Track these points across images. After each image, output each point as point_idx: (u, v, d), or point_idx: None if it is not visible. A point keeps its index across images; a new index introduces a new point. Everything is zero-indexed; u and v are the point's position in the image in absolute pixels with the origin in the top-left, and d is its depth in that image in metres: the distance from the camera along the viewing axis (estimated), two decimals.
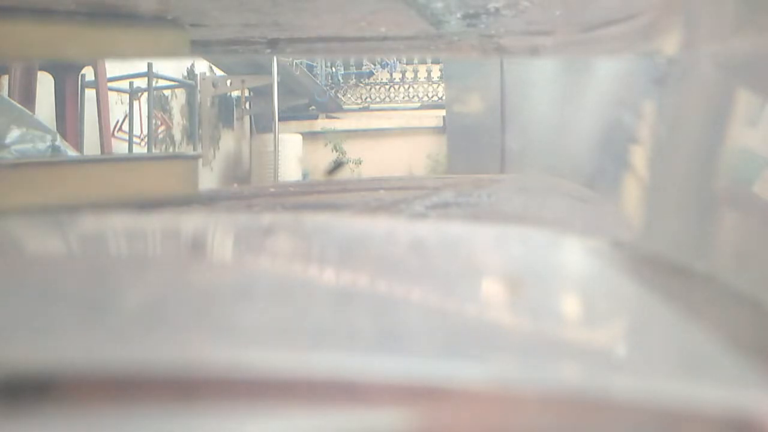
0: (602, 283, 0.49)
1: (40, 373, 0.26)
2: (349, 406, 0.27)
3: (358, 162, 5.96)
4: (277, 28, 1.15)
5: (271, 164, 5.64)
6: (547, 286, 0.46)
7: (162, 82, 4.84)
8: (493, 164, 3.84)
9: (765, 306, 0.45)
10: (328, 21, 1.14)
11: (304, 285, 0.42)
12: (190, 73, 5.37)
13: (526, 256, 0.54)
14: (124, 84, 4.34)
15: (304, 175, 5.96)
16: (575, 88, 1.88)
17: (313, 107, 6.73)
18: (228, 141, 6.13)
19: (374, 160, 5.93)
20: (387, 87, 7.07)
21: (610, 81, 1.56)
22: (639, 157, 1.17)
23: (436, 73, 6.83)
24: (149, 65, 4.29)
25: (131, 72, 4.25)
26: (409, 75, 7.01)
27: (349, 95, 7.14)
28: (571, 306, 0.44)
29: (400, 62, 6.91)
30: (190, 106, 5.36)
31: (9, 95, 2.47)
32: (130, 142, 4.35)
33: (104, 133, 3.40)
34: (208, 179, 5.36)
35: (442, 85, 6.63)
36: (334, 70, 7.08)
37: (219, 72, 5.60)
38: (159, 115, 4.97)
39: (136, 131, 4.48)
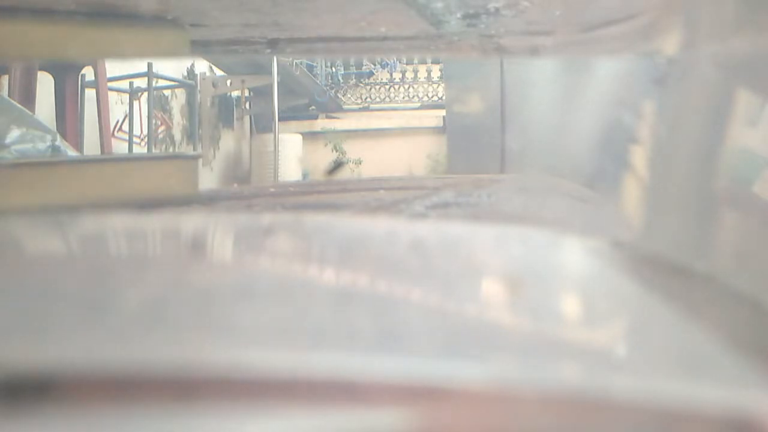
0: (602, 283, 0.49)
1: (40, 373, 0.26)
2: (349, 406, 0.27)
3: (358, 162, 5.96)
4: (277, 28, 1.15)
5: (271, 164, 5.64)
6: (547, 286, 0.46)
7: (162, 82, 4.84)
8: (493, 164, 3.84)
9: (765, 306, 0.45)
10: (328, 21, 1.14)
11: (304, 285, 0.42)
12: (190, 73, 5.37)
13: (526, 256, 0.54)
14: (124, 84, 4.34)
15: (304, 175, 5.96)
16: (575, 88, 1.88)
17: (313, 107, 6.73)
18: (228, 141, 6.13)
19: (374, 160, 5.93)
20: (387, 87, 7.07)
21: (610, 81, 1.56)
22: (639, 157, 1.17)
23: (436, 73, 6.84)
24: (149, 65, 4.29)
25: (131, 72, 4.25)
26: (409, 75, 7.01)
27: (349, 95, 7.14)
28: (571, 306, 0.44)
29: (400, 62, 6.91)
30: (190, 106, 5.36)
31: (9, 95, 2.47)
32: (130, 142, 4.35)
33: (104, 133, 3.40)
34: (208, 179, 5.36)
35: (442, 85, 6.63)
36: (334, 70, 7.08)
37: (219, 72, 5.60)
38: (159, 115, 4.97)
39: (136, 131, 4.48)
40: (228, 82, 5.64)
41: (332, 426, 0.26)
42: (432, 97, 6.91)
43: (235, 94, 5.99)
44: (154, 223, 0.68)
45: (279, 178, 5.55)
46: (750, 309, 0.45)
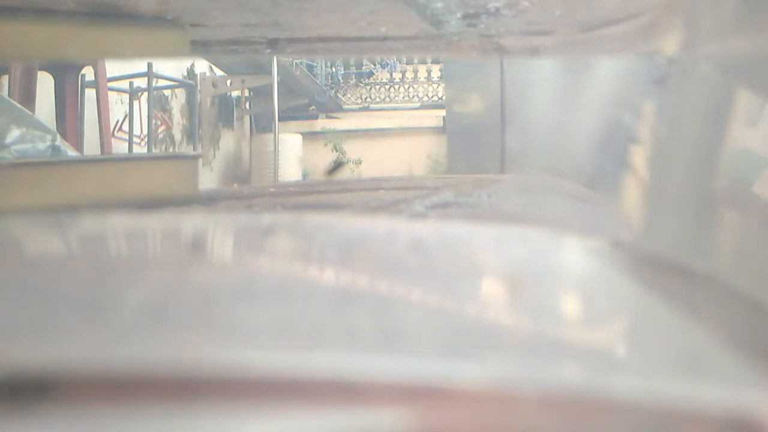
0: (602, 283, 0.49)
1: (40, 373, 0.26)
2: (349, 406, 0.27)
3: (358, 162, 5.95)
4: (277, 28, 1.15)
5: (271, 164, 5.64)
6: (547, 286, 0.46)
7: (162, 82, 4.83)
8: (493, 164, 3.85)
9: (765, 306, 0.45)
10: (328, 21, 1.14)
11: (304, 285, 0.42)
12: (190, 73, 5.37)
13: (526, 256, 0.54)
14: (124, 84, 4.34)
15: (304, 175, 5.96)
16: (575, 88, 1.88)
17: (313, 107, 6.73)
18: (228, 141, 6.13)
19: (374, 160, 5.93)
20: (387, 87, 7.07)
21: (610, 81, 1.56)
22: (639, 157, 1.17)
23: (436, 73, 6.84)
24: (149, 65, 4.29)
25: (131, 72, 4.25)
26: (409, 75, 7.01)
27: (349, 95, 7.14)
28: (571, 306, 0.44)
29: (400, 62, 6.91)
30: (190, 106, 5.36)
31: (9, 95, 2.47)
32: (130, 142, 4.35)
33: (104, 133, 3.40)
34: (208, 179, 5.36)
35: (442, 85, 6.63)
36: (334, 70, 7.08)
37: (219, 72, 5.60)
38: (159, 115, 4.97)
39: (136, 131, 4.48)
40: (228, 82, 5.64)
41: (332, 426, 0.26)
42: (432, 97, 6.91)
43: (235, 94, 5.99)
44: (154, 223, 0.68)
45: (279, 178, 5.55)
46: (750, 309, 0.45)
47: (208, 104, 5.70)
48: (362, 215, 0.96)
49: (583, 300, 0.45)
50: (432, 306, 0.39)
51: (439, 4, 1.05)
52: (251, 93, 6.11)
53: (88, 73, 3.43)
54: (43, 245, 0.56)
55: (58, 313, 0.34)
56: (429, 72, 6.91)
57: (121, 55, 1.61)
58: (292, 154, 5.97)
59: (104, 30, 1.07)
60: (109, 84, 3.68)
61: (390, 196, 1.16)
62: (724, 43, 0.92)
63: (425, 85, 6.97)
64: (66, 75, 2.89)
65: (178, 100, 5.33)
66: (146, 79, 4.34)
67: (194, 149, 5.30)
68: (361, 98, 7.11)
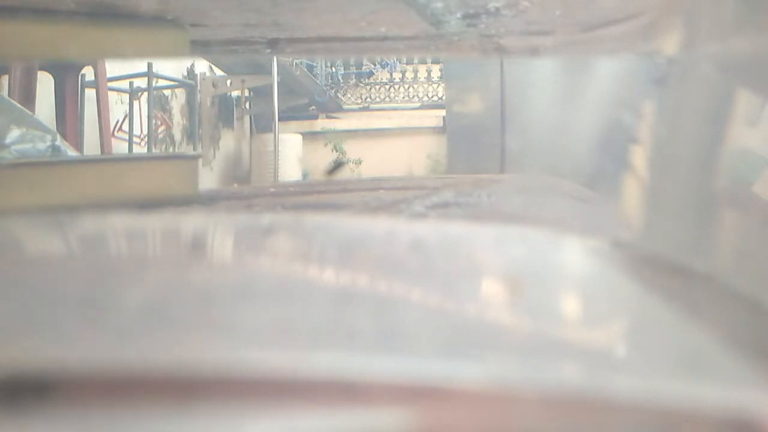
0: (602, 283, 0.49)
1: (40, 373, 0.26)
2: (349, 406, 0.27)
3: (358, 162, 5.95)
4: (277, 28, 1.15)
5: (271, 164, 5.64)
6: (547, 286, 0.46)
7: (162, 82, 4.83)
8: (493, 164, 3.85)
9: (765, 306, 0.45)
10: (328, 21, 1.14)
11: (304, 285, 0.42)
12: (190, 73, 5.37)
13: (526, 256, 0.54)
14: (124, 84, 4.34)
15: (304, 175, 5.96)
16: (575, 88, 1.88)
17: (313, 107, 6.73)
18: (228, 141, 6.13)
19: (374, 160, 5.93)
20: (387, 87, 7.07)
21: (610, 81, 1.57)
22: (639, 157, 1.17)
23: (436, 73, 6.83)
24: (149, 65, 4.29)
25: (131, 72, 4.25)
26: (409, 75, 7.01)
27: (349, 95, 7.14)
28: (571, 306, 0.44)
29: (400, 62, 6.91)
30: (190, 106, 5.36)
31: (9, 95, 2.47)
32: (130, 142, 4.35)
33: (104, 133, 3.40)
34: (208, 179, 5.36)
35: (442, 85, 6.63)
36: (334, 70, 7.08)
37: (219, 72, 5.60)
38: (159, 115, 4.97)
39: (136, 131, 4.48)
40: (228, 82, 5.64)
41: (332, 426, 0.26)
42: (432, 97, 6.91)
43: (235, 94, 5.99)
44: (154, 223, 0.68)
45: (279, 178, 5.55)
46: (750, 309, 0.45)
47: (208, 104, 5.70)
48: (362, 215, 0.96)
49: (583, 300, 0.45)
50: (432, 306, 0.39)
51: (439, 4, 1.05)
52: (251, 93, 6.11)
53: (88, 73, 3.43)
54: (43, 245, 0.56)
55: (58, 313, 0.34)
56: (429, 72, 6.91)
57: (121, 55, 1.61)
58: (292, 154, 5.97)
59: (104, 30, 1.07)
60: (109, 84, 3.68)
61: (390, 196, 1.16)
62: (724, 43, 0.92)
63: (425, 85, 6.97)
64: (66, 75, 2.89)
65: (178, 100, 5.33)
66: (146, 79, 4.34)
67: (194, 149, 5.30)
68: (361, 98, 7.11)
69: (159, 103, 4.97)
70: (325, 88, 6.81)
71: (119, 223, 0.64)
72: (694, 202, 0.93)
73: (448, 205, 1.04)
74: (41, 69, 2.71)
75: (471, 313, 0.38)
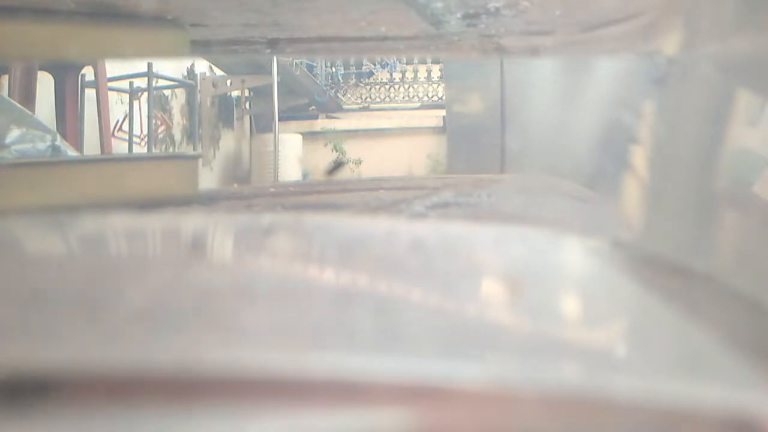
0: (602, 283, 0.49)
1: (40, 373, 0.26)
2: (350, 406, 0.27)
3: (358, 162, 5.95)
4: (277, 28, 1.15)
5: (271, 164, 5.64)
6: (547, 286, 0.46)
7: (162, 82, 4.83)
8: (493, 164, 3.84)
9: (765, 306, 0.45)
10: (328, 21, 1.14)
11: (304, 285, 0.42)
12: (190, 73, 5.36)
13: (526, 256, 0.54)
14: (124, 84, 4.34)
15: (304, 175, 5.96)
16: (575, 88, 1.88)
17: (313, 107, 6.73)
18: (228, 141, 6.13)
19: (374, 160, 5.93)
20: (387, 87, 7.07)
21: (610, 81, 1.56)
22: (639, 157, 1.17)
23: (436, 73, 6.83)
24: (149, 65, 4.29)
25: (131, 72, 4.25)
26: (409, 75, 7.01)
27: (349, 95, 7.14)
28: (571, 306, 0.44)
29: (400, 62, 6.91)
30: (190, 106, 5.36)
31: (9, 95, 2.47)
32: (130, 142, 4.35)
33: (104, 133, 3.40)
34: (208, 179, 5.36)
35: (442, 85, 6.63)
36: (334, 70, 7.08)
37: (219, 72, 5.59)
38: (159, 115, 4.97)
39: (136, 131, 4.48)
40: (228, 82, 5.63)
41: (332, 426, 0.26)
42: (432, 97, 6.91)
43: (235, 94, 5.99)
44: (154, 223, 0.68)
45: (279, 178, 5.55)
46: (750, 309, 0.45)
47: (208, 104, 5.70)
48: (362, 215, 0.96)
49: (583, 300, 0.45)
50: (432, 306, 0.39)
51: (439, 4, 1.05)
52: (251, 93, 6.11)
53: (88, 73, 3.43)
54: (43, 245, 0.56)
55: (58, 313, 0.34)
56: (429, 72, 6.91)
57: (121, 55, 1.61)
58: (292, 154, 5.97)
59: (104, 30, 1.07)
60: (109, 84, 3.68)
61: (390, 196, 1.16)
62: (724, 43, 0.92)
63: (425, 85, 6.97)
64: (66, 75, 2.89)
65: (178, 100, 5.33)
66: (146, 79, 4.34)
67: (194, 149, 5.29)
68: (361, 98, 7.11)
69: (159, 103, 4.97)
70: (325, 88, 6.81)
71: (119, 223, 0.64)
72: (694, 202, 0.93)
73: (448, 205, 1.04)
74: (41, 69, 2.71)
75: (471, 313, 0.38)
